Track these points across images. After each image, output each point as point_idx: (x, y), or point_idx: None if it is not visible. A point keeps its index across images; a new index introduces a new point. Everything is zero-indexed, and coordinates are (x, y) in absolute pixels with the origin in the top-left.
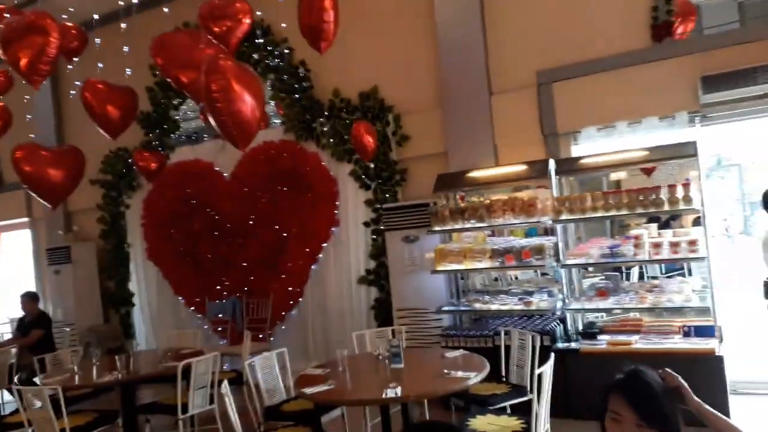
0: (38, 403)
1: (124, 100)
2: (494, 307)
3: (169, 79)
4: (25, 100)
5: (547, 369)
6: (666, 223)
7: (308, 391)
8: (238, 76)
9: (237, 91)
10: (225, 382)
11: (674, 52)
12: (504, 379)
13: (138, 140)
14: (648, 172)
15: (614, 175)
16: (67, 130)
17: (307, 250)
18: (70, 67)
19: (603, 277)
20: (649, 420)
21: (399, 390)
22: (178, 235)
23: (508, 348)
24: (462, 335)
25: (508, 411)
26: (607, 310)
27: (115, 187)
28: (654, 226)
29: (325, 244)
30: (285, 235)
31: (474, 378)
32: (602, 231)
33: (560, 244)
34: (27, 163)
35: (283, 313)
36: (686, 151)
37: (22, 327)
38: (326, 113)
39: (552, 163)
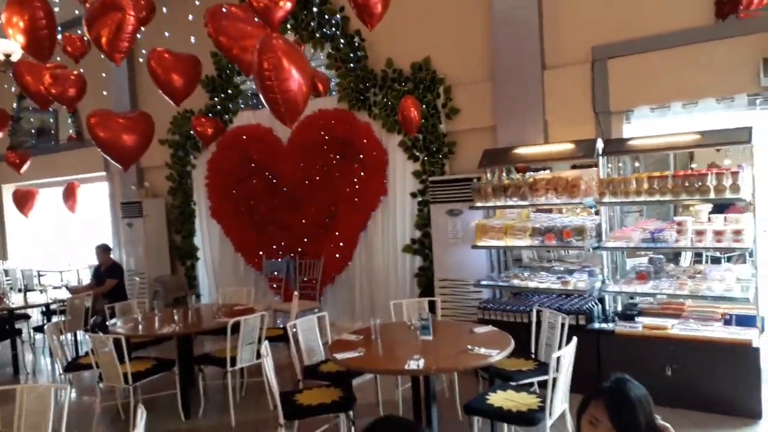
0: (106, 349)
1: (187, 68)
2: (532, 284)
3: (220, 50)
4: (103, 75)
5: (568, 351)
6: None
7: (338, 356)
8: (288, 54)
9: (287, 69)
10: (266, 343)
11: (737, 30)
12: (533, 356)
13: (203, 104)
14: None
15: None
16: (140, 93)
17: (357, 216)
18: (139, 36)
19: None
20: (622, 431)
21: (422, 362)
22: (238, 195)
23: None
24: (499, 309)
25: (535, 387)
26: (644, 294)
27: (182, 147)
28: (706, 209)
29: (373, 212)
30: (336, 201)
31: (495, 356)
32: (666, 211)
33: (604, 225)
34: (101, 129)
35: (333, 275)
36: (740, 137)
37: (97, 275)
38: (379, 84)
39: (600, 143)
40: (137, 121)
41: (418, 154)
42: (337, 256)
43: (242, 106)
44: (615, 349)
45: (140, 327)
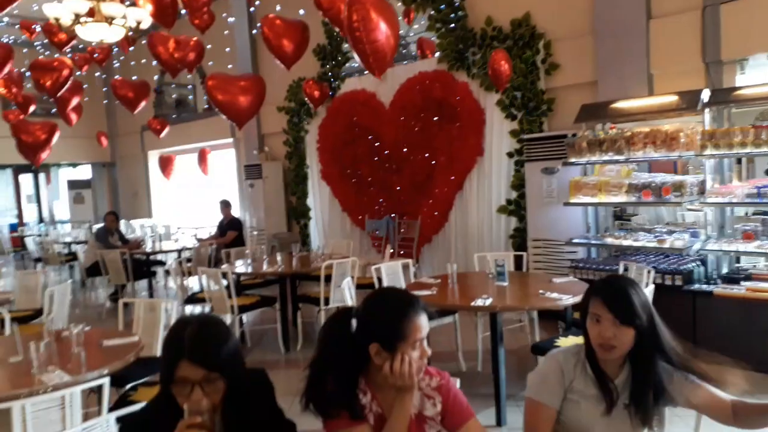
0: (216, 287)
1: (296, 33)
2: (626, 243)
3: (320, 8)
4: (227, 50)
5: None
6: None
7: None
8: (376, 6)
9: (375, 21)
10: (347, 280)
11: None
12: None
13: (315, 72)
14: None
15: None
16: (261, 61)
17: (453, 177)
18: (253, 9)
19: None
20: (623, 319)
21: (489, 301)
22: (344, 158)
23: None
24: (590, 268)
25: None
26: (748, 254)
27: (296, 113)
28: None
29: (469, 173)
30: (434, 162)
31: (564, 300)
32: None
33: (708, 181)
34: (219, 91)
35: (430, 235)
36: None
37: (220, 228)
38: (478, 43)
39: (706, 94)
40: (250, 83)
41: (515, 112)
42: (435, 214)
43: (353, 70)
44: (712, 310)
45: (249, 268)
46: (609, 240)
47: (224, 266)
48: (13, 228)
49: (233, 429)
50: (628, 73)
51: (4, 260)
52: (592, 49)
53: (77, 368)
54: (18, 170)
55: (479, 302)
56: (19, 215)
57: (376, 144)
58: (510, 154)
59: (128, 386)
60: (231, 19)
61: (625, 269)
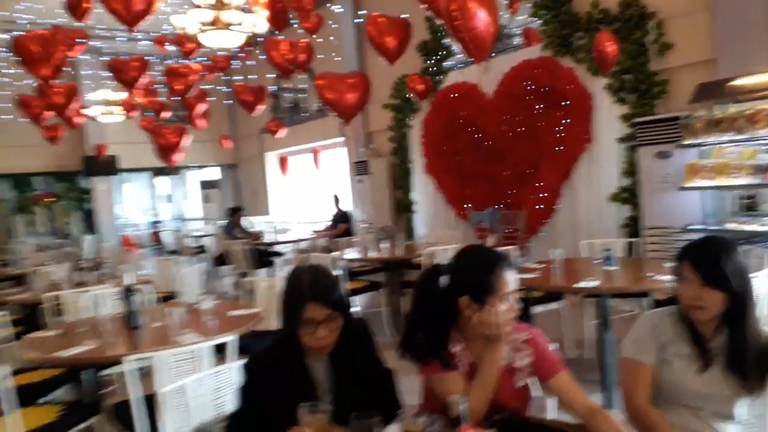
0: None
1: (399, 30)
2: (749, 228)
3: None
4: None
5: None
6: None
7: None
8: None
9: (472, 9)
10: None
11: None
12: None
13: (418, 68)
14: None
15: None
16: (367, 60)
17: (560, 166)
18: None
19: None
20: (708, 281)
21: (595, 283)
22: (447, 151)
23: None
24: None
25: None
26: None
27: (401, 110)
28: None
29: (577, 161)
30: (539, 151)
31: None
32: None
33: None
34: (327, 90)
35: (536, 227)
36: None
37: (334, 221)
38: (583, 26)
39: None
40: (356, 81)
41: (625, 96)
42: (540, 207)
43: (457, 64)
44: None
45: (357, 254)
46: (730, 225)
47: (335, 253)
48: (151, 225)
49: (341, 370)
50: (749, 48)
51: (145, 252)
52: (707, 26)
53: (206, 331)
54: (155, 173)
55: (584, 284)
56: (156, 213)
57: (479, 135)
58: (621, 140)
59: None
60: (334, 26)
61: (745, 253)
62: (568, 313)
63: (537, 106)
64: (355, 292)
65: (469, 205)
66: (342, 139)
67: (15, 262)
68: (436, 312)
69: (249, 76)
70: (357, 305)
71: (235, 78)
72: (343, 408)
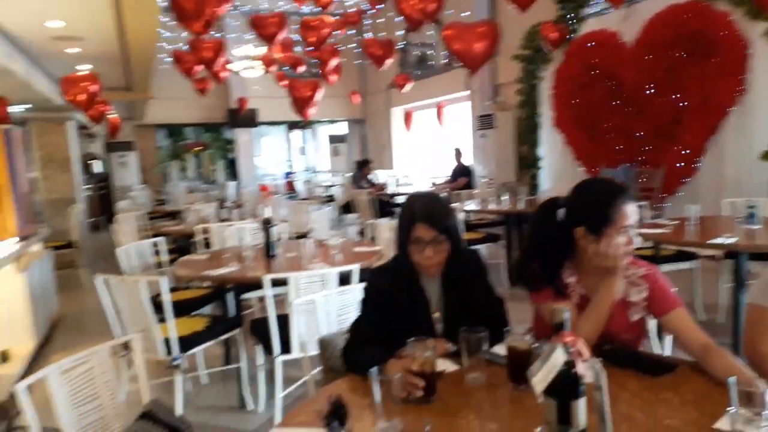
0: None
1: None
2: None
3: None
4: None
5: None
6: None
7: (643, 231)
8: None
9: None
10: None
11: None
12: None
13: (552, 15)
14: None
15: None
16: (498, 9)
17: (706, 120)
18: None
19: None
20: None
21: (732, 240)
22: (580, 104)
23: None
24: None
25: None
26: None
27: (532, 60)
28: None
29: (727, 115)
30: (683, 104)
31: None
32: None
33: None
34: (454, 40)
35: (675, 186)
36: None
37: (453, 174)
38: None
39: None
40: (485, 30)
41: None
42: (681, 164)
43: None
44: None
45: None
46: None
47: (454, 204)
48: (286, 176)
49: (451, 291)
50: None
51: (280, 198)
52: None
53: (333, 263)
54: (290, 127)
55: (720, 240)
56: (291, 165)
57: (616, 87)
58: None
59: None
60: None
61: None
62: (701, 274)
63: (683, 55)
64: (473, 243)
65: (601, 163)
66: (467, 93)
67: (170, 201)
68: (551, 243)
69: (378, 34)
70: None
71: (365, 37)
72: (452, 326)
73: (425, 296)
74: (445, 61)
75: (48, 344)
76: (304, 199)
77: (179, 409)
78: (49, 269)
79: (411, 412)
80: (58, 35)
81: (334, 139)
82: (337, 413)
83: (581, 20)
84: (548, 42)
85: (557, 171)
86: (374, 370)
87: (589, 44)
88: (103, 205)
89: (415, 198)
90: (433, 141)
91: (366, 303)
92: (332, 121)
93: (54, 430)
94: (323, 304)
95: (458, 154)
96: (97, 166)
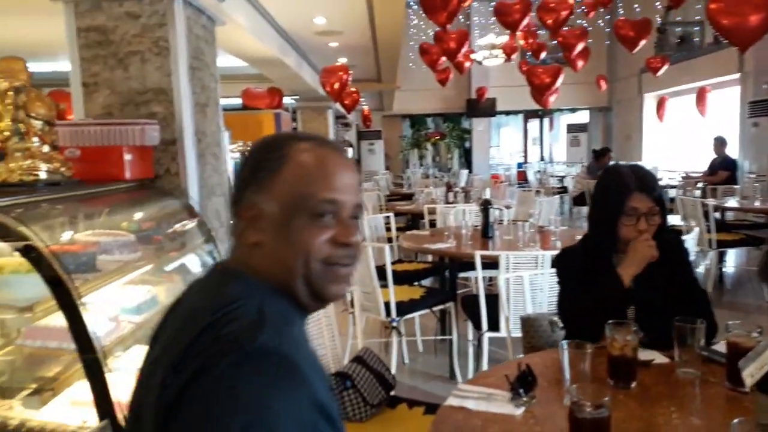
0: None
1: None
2: None
3: None
4: None
5: None
6: None
7: None
8: None
9: None
10: None
11: None
12: None
13: None
14: None
15: None
16: None
17: None
18: None
19: None
20: None
21: None
22: None
23: None
24: None
25: None
26: None
27: None
28: None
29: None
30: None
31: None
32: None
33: None
34: (723, 15)
35: None
36: None
37: (712, 167)
38: None
39: None
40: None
41: None
42: None
43: None
44: None
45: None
46: None
47: (710, 200)
48: (519, 166)
49: (651, 273)
50: None
51: (509, 187)
52: None
53: (550, 248)
54: (527, 116)
55: None
56: (525, 155)
57: None
58: None
59: None
60: None
61: None
62: None
63: None
64: (725, 244)
65: None
66: (736, 76)
67: (407, 185)
68: None
69: (635, 11)
70: (725, 261)
71: (617, 16)
72: (646, 313)
73: (618, 278)
74: (712, 40)
75: None
76: (536, 191)
77: (393, 369)
78: None
79: (605, 394)
80: (321, 30)
81: (574, 129)
82: (524, 380)
83: None
84: None
85: None
86: (563, 343)
87: None
88: None
89: (619, 167)
90: (689, 130)
91: (561, 284)
92: (573, 110)
93: None
94: (532, 282)
95: (720, 143)
96: (350, 153)
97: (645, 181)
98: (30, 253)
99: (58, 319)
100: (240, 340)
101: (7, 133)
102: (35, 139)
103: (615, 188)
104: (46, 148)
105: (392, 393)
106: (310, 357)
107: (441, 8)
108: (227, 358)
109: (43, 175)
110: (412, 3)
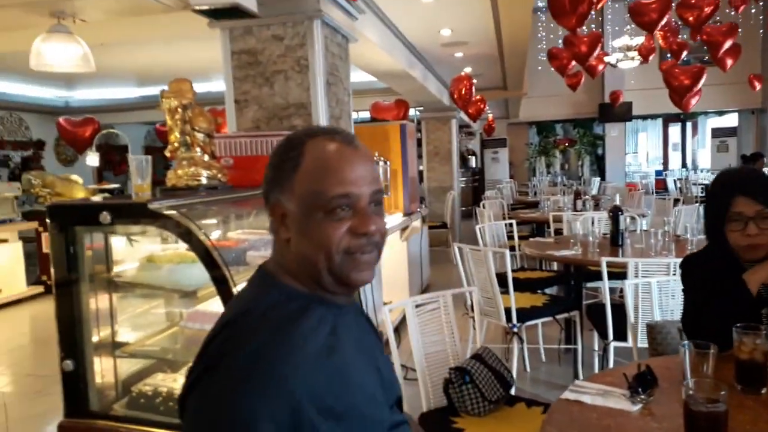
0: None
1: None
2: None
3: None
4: None
5: None
6: None
7: None
8: None
9: None
10: None
11: None
12: None
13: None
14: None
15: None
16: None
17: None
18: None
19: None
20: None
21: None
22: None
23: None
24: None
25: None
26: None
27: None
28: None
29: None
30: None
31: None
32: None
33: None
34: None
35: None
36: None
37: None
38: None
39: None
40: None
41: None
42: None
43: None
44: None
45: None
46: None
47: None
48: (658, 174)
49: None
50: None
51: (645, 195)
52: None
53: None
54: (667, 120)
55: None
56: (665, 162)
57: None
58: None
59: None
60: None
61: None
62: None
63: None
64: None
65: None
66: None
67: (533, 193)
68: None
69: None
70: None
71: None
72: None
73: (744, 284)
74: None
75: None
76: (675, 200)
77: (514, 374)
78: (425, 243)
79: (732, 397)
80: (447, 42)
81: (721, 133)
82: (643, 379)
83: None
84: None
85: None
86: (685, 343)
87: None
88: (475, 196)
89: (728, 171)
90: None
91: (686, 291)
92: (720, 113)
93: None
94: (660, 289)
95: None
96: (473, 161)
97: (749, 183)
98: (197, 246)
99: (215, 305)
100: (233, 346)
101: (176, 144)
102: (198, 149)
103: (717, 194)
104: (206, 158)
105: (512, 393)
106: (338, 348)
107: (570, 12)
108: (225, 359)
109: (204, 181)
110: (540, 5)
